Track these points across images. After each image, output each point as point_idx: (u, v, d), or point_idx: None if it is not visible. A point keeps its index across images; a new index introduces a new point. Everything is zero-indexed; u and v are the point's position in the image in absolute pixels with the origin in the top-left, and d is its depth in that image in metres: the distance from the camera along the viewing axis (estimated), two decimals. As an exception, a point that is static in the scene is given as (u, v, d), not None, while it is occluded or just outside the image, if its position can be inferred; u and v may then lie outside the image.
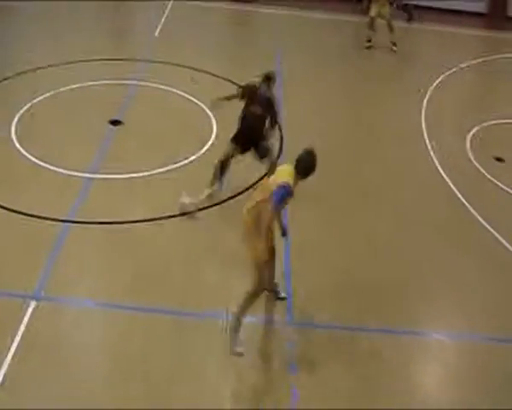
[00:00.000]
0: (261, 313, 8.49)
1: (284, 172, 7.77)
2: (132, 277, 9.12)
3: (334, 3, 21.03)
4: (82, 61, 15.43)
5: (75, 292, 8.87)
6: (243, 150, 10.78)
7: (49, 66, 15.07)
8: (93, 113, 13.29)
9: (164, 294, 8.90)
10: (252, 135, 10.71)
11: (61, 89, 14.05)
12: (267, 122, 10.67)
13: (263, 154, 10.77)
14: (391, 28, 17.83)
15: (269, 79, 10.63)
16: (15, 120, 12.77)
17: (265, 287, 8.13)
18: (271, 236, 8.05)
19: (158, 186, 11.14)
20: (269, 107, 10.57)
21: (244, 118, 10.75)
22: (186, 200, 10.47)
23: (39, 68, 14.94)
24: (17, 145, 11.98)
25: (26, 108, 13.20)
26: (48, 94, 13.80)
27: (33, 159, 11.57)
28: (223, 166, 10.69)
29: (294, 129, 13.09)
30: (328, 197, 11.24)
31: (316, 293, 9.05)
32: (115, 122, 12.90)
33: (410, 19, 20.59)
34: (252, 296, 7.90)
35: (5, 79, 14.42)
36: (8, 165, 11.58)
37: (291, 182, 7.62)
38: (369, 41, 17.97)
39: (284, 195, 7.57)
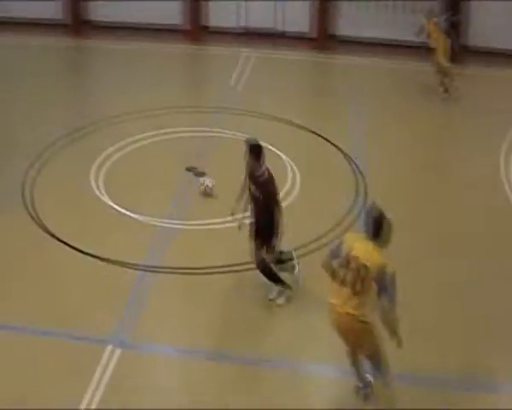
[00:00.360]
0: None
1: (366, 248, 7.00)
2: (210, 324, 9.08)
3: (405, 51, 20.80)
4: (161, 111, 15.71)
5: (153, 338, 8.87)
6: (259, 245, 9.21)
7: (128, 115, 15.42)
8: (172, 161, 13.47)
9: (242, 342, 8.81)
10: (257, 226, 9.24)
11: (141, 138, 14.32)
12: (274, 208, 8.98)
13: (271, 256, 9.22)
14: (451, 74, 17.44)
15: (251, 149, 9.04)
16: (96, 167, 13.07)
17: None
18: None
19: (236, 235, 11.11)
20: (264, 185, 8.98)
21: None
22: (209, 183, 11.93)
23: (119, 117, 15.30)
24: (97, 193, 12.24)
25: (107, 156, 13.51)
26: (128, 142, 14.09)
27: (114, 206, 11.79)
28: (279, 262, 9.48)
29: (373, 174, 13.06)
30: (398, 241, 10.96)
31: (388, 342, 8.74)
32: (198, 173, 12.99)
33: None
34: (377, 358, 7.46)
35: (87, 128, 14.81)
36: (89, 212, 11.86)
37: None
38: (445, 89, 17.65)
39: (393, 278, 6.94)
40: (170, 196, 12.26)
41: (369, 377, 7.82)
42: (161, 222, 11.38)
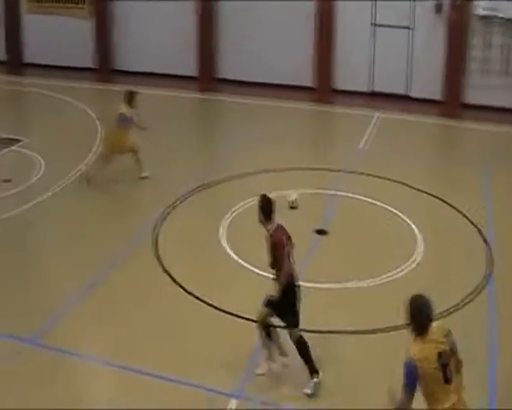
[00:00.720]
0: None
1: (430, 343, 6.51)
2: (332, 386, 9.02)
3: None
4: (286, 170, 15.98)
5: (277, 394, 8.95)
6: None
7: (256, 171, 15.79)
8: (298, 220, 13.61)
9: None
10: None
11: (268, 195, 14.51)
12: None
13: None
14: None
15: (262, 207, 9.33)
16: (224, 222, 13.44)
17: None
18: None
19: (359, 299, 11.12)
20: (272, 247, 9.14)
21: None
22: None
23: (247, 173, 15.70)
24: (224, 245, 12.58)
25: (235, 211, 13.89)
26: (256, 199, 14.32)
27: (241, 261, 12.07)
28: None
29: (502, 244, 12.78)
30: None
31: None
32: (320, 231, 13.13)
33: None
34: None
35: (215, 182, 15.33)
36: (216, 264, 12.18)
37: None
38: None
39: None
40: (296, 255, 12.35)
41: None
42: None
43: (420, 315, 6.52)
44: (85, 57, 24.84)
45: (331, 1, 21.46)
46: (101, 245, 12.83)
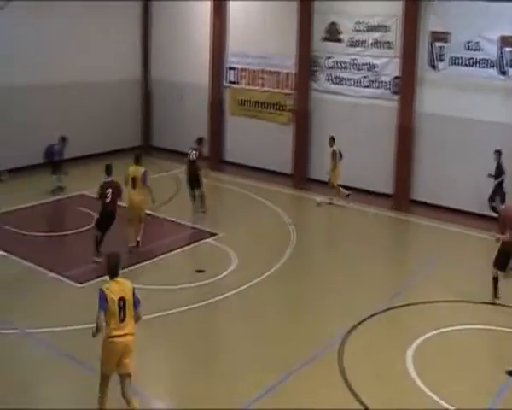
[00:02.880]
0: None
1: None
2: None
3: None
4: (468, 302, 15.33)
5: None
6: None
7: (447, 300, 15.32)
8: (487, 359, 13.10)
9: None
10: None
11: (452, 327, 14.04)
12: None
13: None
14: None
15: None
16: (411, 347, 13.04)
17: None
18: None
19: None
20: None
21: None
22: None
23: (438, 301, 15.28)
24: (413, 376, 12.08)
25: (423, 339, 13.44)
26: (447, 329, 13.95)
27: (427, 392, 11.56)
28: None
29: None
30: None
31: None
32: (511, 372, 12.46)
33: None
34: None
35: (404, 306, 15.03)
36: (400, 391, 11.73)
37: None
38: None
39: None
40: (486, 394, 11.75)
41: None
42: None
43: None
44: (281, 162, 25.74)
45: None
46: (283, 349, 12.92)
